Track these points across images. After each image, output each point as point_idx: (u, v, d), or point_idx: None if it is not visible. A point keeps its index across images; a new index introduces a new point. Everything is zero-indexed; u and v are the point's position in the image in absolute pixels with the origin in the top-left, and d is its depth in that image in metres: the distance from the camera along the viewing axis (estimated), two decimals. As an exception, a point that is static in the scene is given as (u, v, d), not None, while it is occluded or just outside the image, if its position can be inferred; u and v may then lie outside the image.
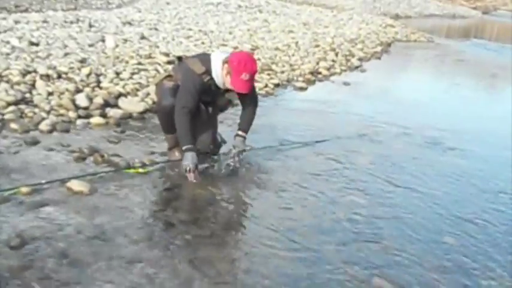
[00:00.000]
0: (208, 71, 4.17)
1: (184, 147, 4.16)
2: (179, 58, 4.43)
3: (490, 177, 5.15)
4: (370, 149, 5.56)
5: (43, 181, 3.78)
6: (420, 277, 3.20)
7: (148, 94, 6.18)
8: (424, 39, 17.90)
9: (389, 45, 15.31)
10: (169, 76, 4.39)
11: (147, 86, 6.49)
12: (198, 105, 4.26)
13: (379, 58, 12.82)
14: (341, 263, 3.25)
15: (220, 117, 4.76)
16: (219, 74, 4.15)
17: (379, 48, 13.83)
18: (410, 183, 4.70)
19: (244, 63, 4.05)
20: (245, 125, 4.50)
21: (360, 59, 11.75)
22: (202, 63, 4.19)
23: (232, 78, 4.09)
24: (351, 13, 22.87)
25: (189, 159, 4.11)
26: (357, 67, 10.95)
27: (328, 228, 3.69)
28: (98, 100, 5.67)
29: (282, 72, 8.88)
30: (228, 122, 5.42)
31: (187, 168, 4.11)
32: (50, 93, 5.66)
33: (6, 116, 5.03)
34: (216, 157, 4.56)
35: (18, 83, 5.75)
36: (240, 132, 4.48)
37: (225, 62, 4.10)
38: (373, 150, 5.51)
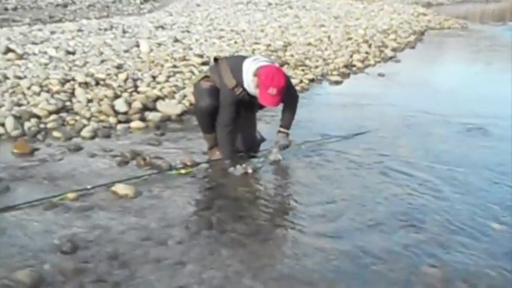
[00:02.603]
0: (239, 83, 4.21)
1: (226, 162, 4.38)
2: (215, 59, 4.46)
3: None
4: (409, 139, 5.49)
5: (89, 186, 3.86)
6: (469, 264, 3.15)
7: (185, 96, 6.25)
8: (458, 25, 17.62)
9: (422, 33, 15.13)
10: (206, 77, 4.42)
11: (184, 88, 6.57)
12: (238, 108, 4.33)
13: (413, 47, 12.68)
14: (388, 254, 3.22)
15: (259, 114, 4.78)
16: (251, 85, 4.17)
17: (412, 38, 13.68)
18: (453, 172, 4.61)
19: (271, 78, 4.04)
20: (286, 121, 4.54)
21: (394, 50, 11.64)
22: (233, 75, 4.21)
23: (260, 93, 4.12)
24: (381, 4, 22.66)
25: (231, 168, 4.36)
26: (391, 58, 10.85)
27: (373, 221, 3.65)
28: (137, 104, 5.76)
29: (316, 67, 8.87)
30: (266, 119, 5.44)
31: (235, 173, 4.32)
32: (90, 100, 5.77)
33: (49, 125, 5.17)
34: (256, 155, 4.58)
35: (58, 92, 5.88)
36: (282, 129, 4.54)
37: (255, 74, 4.12)
38: (413, 141, 5.44)
